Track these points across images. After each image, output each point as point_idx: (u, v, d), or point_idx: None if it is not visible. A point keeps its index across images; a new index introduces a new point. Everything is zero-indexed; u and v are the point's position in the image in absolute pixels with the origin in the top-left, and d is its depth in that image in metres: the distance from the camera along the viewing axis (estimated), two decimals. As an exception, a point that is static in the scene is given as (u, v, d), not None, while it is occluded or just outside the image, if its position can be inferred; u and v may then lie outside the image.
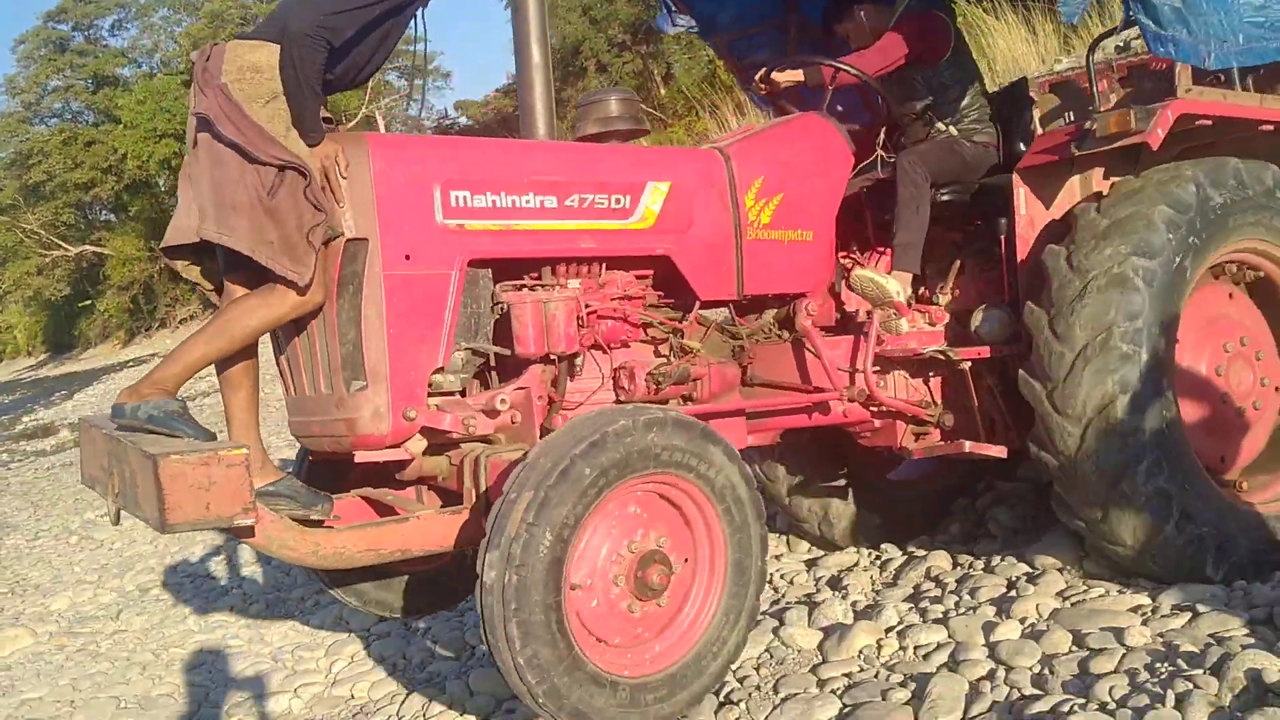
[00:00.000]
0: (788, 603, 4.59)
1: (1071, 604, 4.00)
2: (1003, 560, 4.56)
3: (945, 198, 4.62)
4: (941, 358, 4.39)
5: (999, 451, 4.35)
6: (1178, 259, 3.99)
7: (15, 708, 5.78)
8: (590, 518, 3.23)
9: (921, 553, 4.91)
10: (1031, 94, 5.01)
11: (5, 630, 7.01)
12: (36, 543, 9.72)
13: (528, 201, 3.61)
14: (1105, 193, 4.19)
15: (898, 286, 4.34)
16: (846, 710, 3.55)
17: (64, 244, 39.87)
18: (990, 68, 11.55)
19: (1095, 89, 4.28)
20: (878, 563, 4.99)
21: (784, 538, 5.62)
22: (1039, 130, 4.69)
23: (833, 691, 3.69)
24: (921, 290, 4.79)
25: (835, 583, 4.77)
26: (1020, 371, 4.12)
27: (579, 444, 3.16)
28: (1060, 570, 4.30)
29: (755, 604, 3.60)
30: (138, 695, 5.63)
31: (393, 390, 3.38)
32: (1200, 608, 3.73)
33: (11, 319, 46.49)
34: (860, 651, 3.99)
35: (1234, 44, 3.99)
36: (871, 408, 4.40)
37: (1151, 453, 3.89)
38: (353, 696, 4.99)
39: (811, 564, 5.14)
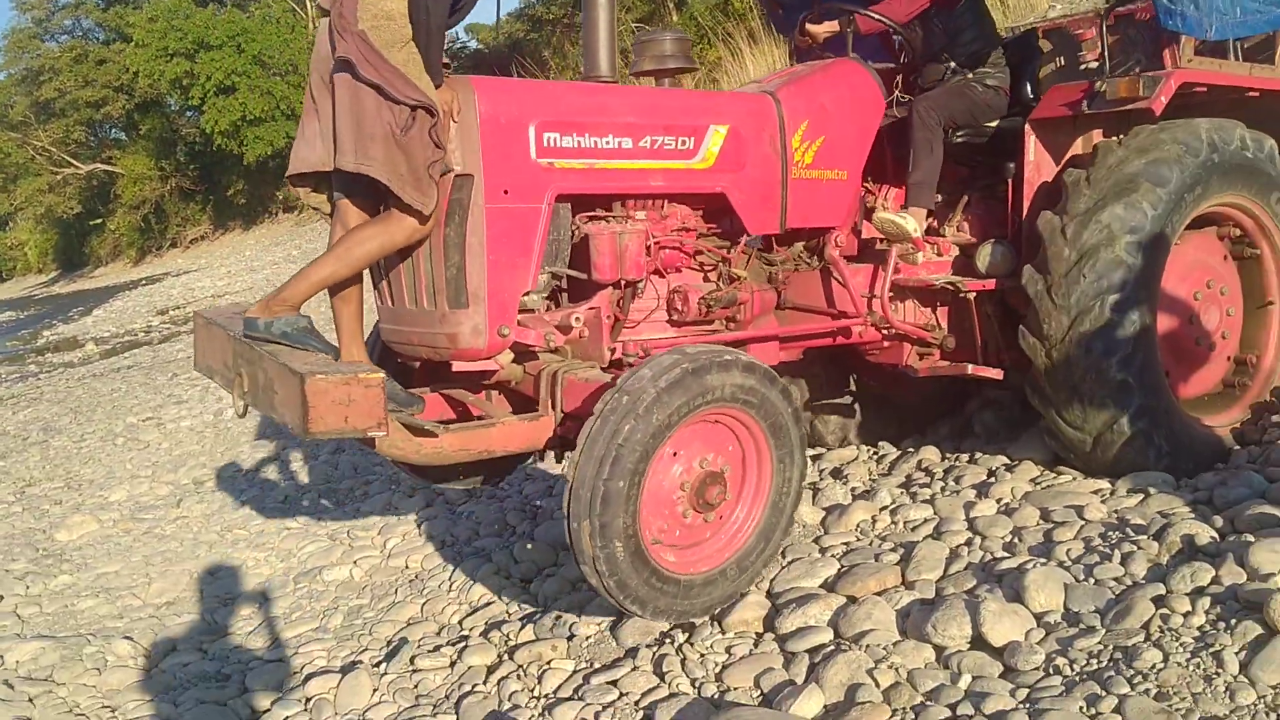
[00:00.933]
0: (794, 488, 5.23)
1: (1042, 488, 4.66)
2: (985, 455, 5.18)
3: (960, 139, 5.12)
4: (950, 288, 4.94)
5: (996, 374, 4.90)
6: (1162, 220, 4.51)
7: (94, 579, 6.46)
8: (667, 443, 3.71)
9: (914, 449, 5.52)
10: (1040, 45, 5.52)
11: (70, 518, 7.60)
12: (83, 444, 10.21)
13: (608, 143, 4.08)
14: (1114, 143, 4.66)
15: (915, 224, 4.84)
16: (844, 569, 4.23)
17: (75, 162, 40.18)
18: (1001, 4, 11.98)
19: (1106, 52, 4.79)
20: (875, 457, 5.62)
21: None
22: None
23: (833, 556, 4.36)
24: (930, 221, 5.31)
25: (837, 472, 5.40)
26: (1026, 267, 4.63)
27: (663, 378, 3.60)
28: (1035, 462, 4.93)
29: (792, 518, 4.10)
30: (209, 567, 6.32)
31: (490, 310, 3.88)
32: (1151, 490, 4.38)
33: (22, 236, 46.96)
34: (857, 525, 4.68)
35: (1233, 17, 4.54)
36: (884, 330, 4.96)
37: (1124, 349, 4.44)
38: (407, 567, 5.67)
39: (815, 458, 5.73)
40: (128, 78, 36.35)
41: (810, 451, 5.96)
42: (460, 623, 4.87)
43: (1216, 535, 3.82)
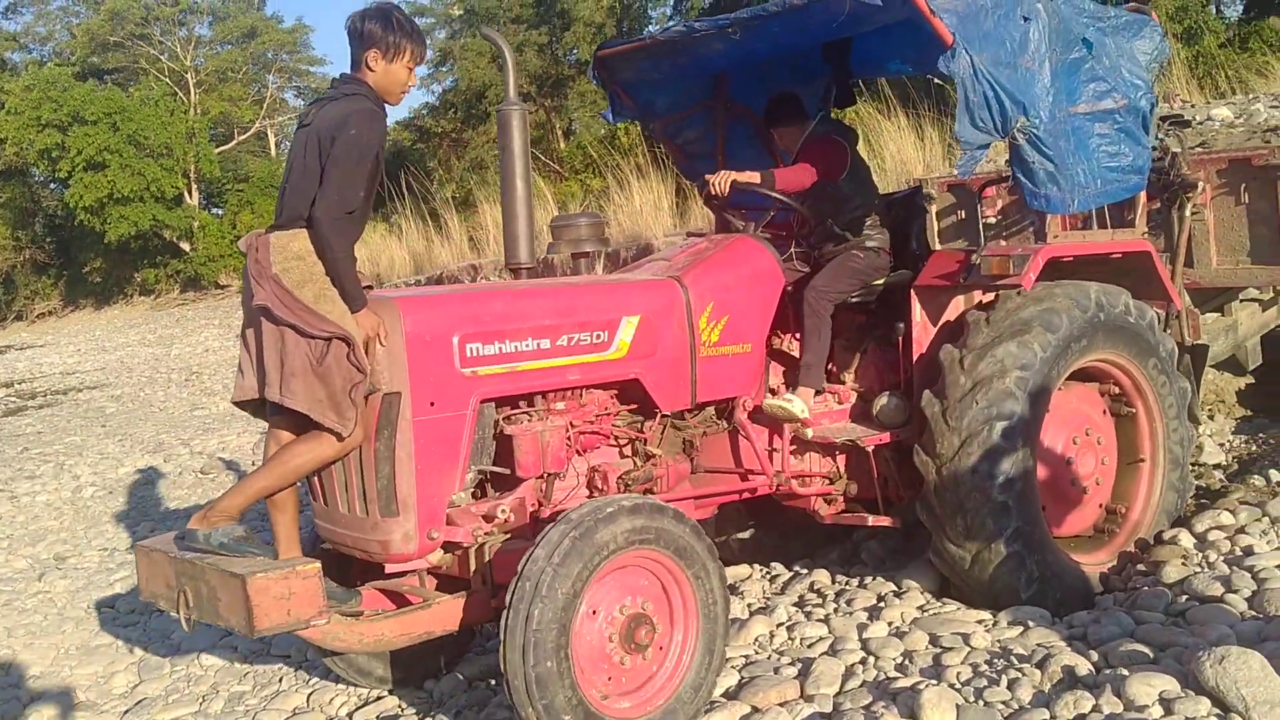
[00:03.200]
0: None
1: (929, 614, 4.94)
2: (874, 579, 5.45)
3: (855, 300, 5.45)
4: (851, 444, 5.19)
5: (893, 523, 5.24)
6: (1050, 362, 4.89)
7: (-48, 651, 6.15)
8: (582, 607, 3.87)
9: (805, 571, 5.76)
10: (926, 200, 5.98)
11: (-77, 587, 7.16)
12: (-72, 515, 9.81)
13: (527, 345, 4.31)
14: (992, 304, 5.05)
15: (802, 406, 5.10)
16: (745, 680, 4.40)
17: (-77, 223, 38.58)
18: (881, 166, 12.79)
19: (981, 226, 5.26)
20: (767, 575, 5.85)
21: None
22: (934, 235, 5.61)
23: (733, 667, 4.53)
24: (831, 367, 5.62)
25: (733, 589, 5.59)
26: (916, 445, 4.97)
27: (556, 553, 3.78)
28: (921, 591, 5.22)
29: (728, 621, 4.25)
30: (77, 645, 6.10)
31: (419, 516, 4.08)
32: (1031, 624, 4.68)
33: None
34: (755, 639, 4.89)
35: (1093, 189, 5.02)
36: (789, 484, 5.23)
37: (1007, 473, 4.78)
38: (290, 656, 5.58)
39: None
40: (-6, 144, 35.28)
41: None
42: (349, 716, 4.86)
43: (1093, 668, 4.11)
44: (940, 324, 5.29)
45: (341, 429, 3.93)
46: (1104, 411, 5.47)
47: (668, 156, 6.84)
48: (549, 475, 4.45)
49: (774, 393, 5.31)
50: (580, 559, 3.80)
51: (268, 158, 38.84)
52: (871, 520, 5.26)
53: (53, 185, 36.20)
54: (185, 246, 35.19)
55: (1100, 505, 5.47)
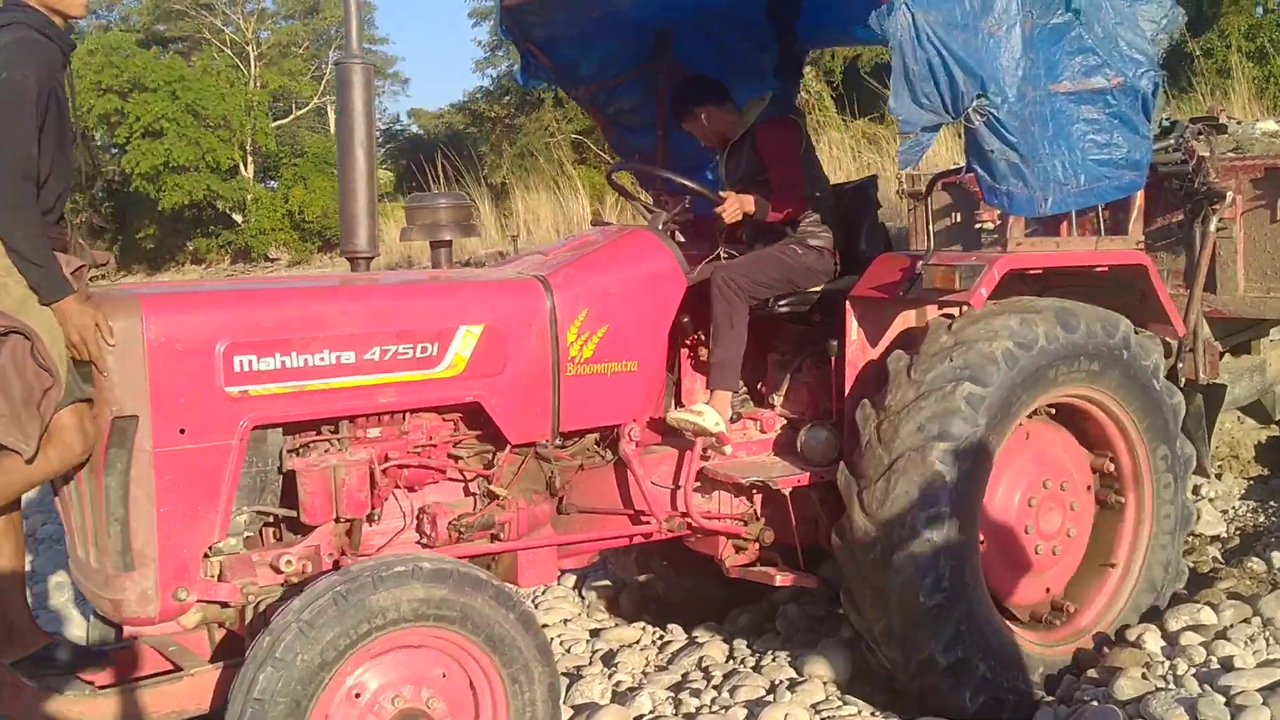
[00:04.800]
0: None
1: (822, 717, 3.92)
2: (774, 660, 4.50)
3: (784, 308, 4.47)
4: (760, 484, 4.23)
5: (809, 582, 4.27)
6: (1008, 393, 3.93)
7: None
8: (349, 662, 3.03)
9: (704, 638, 4.85)
10: (876, 193, 4.89)
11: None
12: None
13: (322, 359, 3.37)
14: (943, 325, 4.08)
15: (716, 418, 4.14)
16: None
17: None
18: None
19: (930, 232, 4.19)
20: (659, 642, 4.93)
21: (584, 598, 5.48)
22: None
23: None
24: (760, 387, 4.68)
25: (609, 657, 4.70)
26: (840, 464, 4.06)
27: (309, 609, 2.95)
28: (824, 683, 4.25)
29: None
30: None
31: (161, 572, 3.18)
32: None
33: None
34: (600, 737, 3.87)
35: (1074, 186, 3.94)
36: (690, 526, 4.26)
37: (937, 571, 3.85)
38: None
39: (596, 633, 5.06)
40: (56, 105, 35.28)
41: (594, 624, 5.18)
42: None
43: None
44: (881, 342, 4.28)
45: (23, 448, 3.05)
46: (1088, 488, 4.45)
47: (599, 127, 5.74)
48: (345, 520, 3.52)
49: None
50: (339, 623, 2.94)
51: (325, 134, 38.37)
52: (779, 579, 4.27)
53: (113, 150, 36.05)
54: (237, 218, 34.94)
55: (1047, 590, 4.41)
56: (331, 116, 42.13)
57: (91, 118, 34.02)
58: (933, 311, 4.21)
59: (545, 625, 5.13)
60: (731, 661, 4.58)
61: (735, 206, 4.35)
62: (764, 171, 4.53)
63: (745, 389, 4.66)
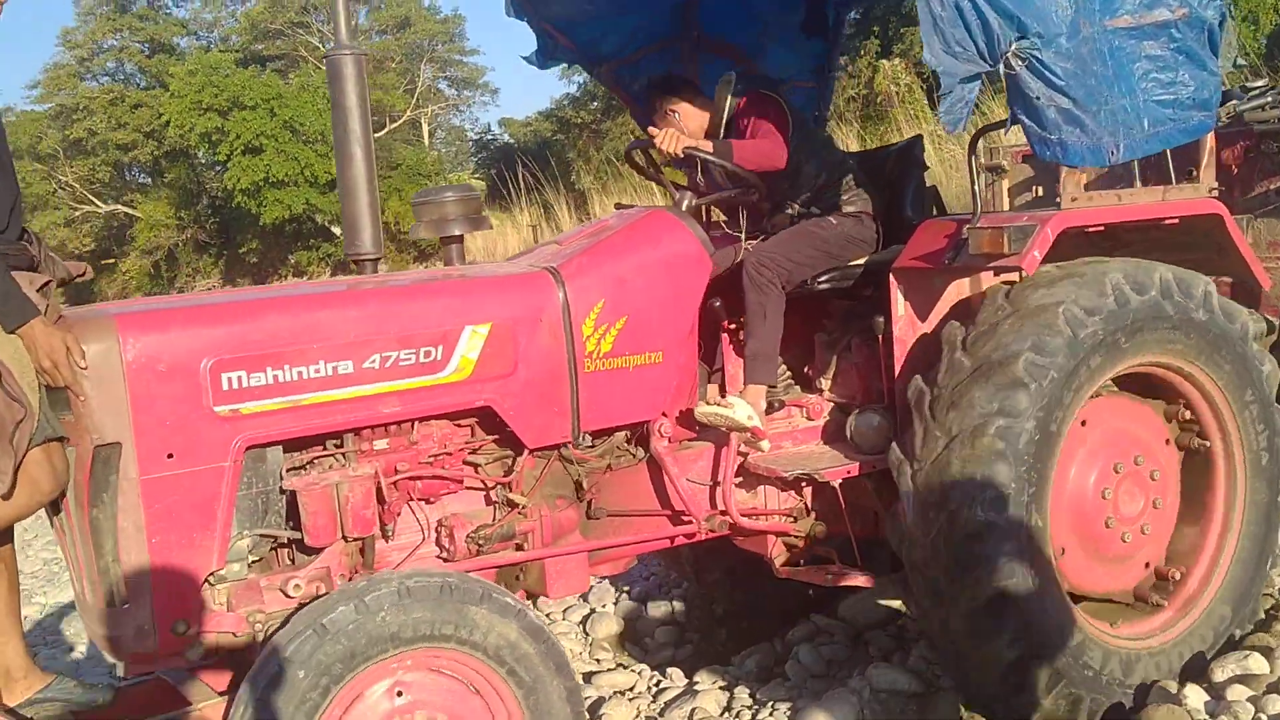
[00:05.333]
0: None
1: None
2: (772, 713, 4.16)
3: (824, 286, 4.13)
4: (806, 477, 3.89)
5: (864, 581, 3.93)
6: (1083, 353, 3.55)
7: None
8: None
9: (704, 684, 4.55)
10: (922, 153, 4.50)
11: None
12: None
13: (317, 370, 3.14)
14: (1000, 292, 3.71)
15: (748, 411, 3.81)
16: None
17: (96, 200, 39.92)
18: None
19: (977, 190, 3.80)
20: (655, 688, 4.64)
21: (587, 637, 5.23)
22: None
23: None
24: (807, 371, 4.35)
25: (597, 706, 4.42)
26: (892, 445, 3.73)
27: (290, 645, 2.77)
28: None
29: None
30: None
31: (157, 605, 2.98)
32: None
33: (36, 265, 46.71)
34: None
35: (1140, 131, 3.54)
36: (732, 525, 3.96)
37: (1003, 558, 3.49)
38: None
39: (589, 677, 4.79)
40: (159, 125, 36.25)
41: (589, 667, 4.98)
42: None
43: None
44: (932, 315, 3.92)
45: None
46: (1167, 440, 4.00)
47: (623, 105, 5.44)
48: (353, 539, 3.29)
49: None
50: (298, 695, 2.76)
51: (419, 146, 38.78)
52: (829, 578, 3.93)
53: (215, 168, 36.93)
54: (335, 230, 35.47)
55: (1146, 565, 4.00)
56: (426, 129, 42.63)
57: (194, 136, 34.94)
58: (989, 280, 3.84)
59: None
60: (727, 715, 4.25)
61: (670, 135, 3.99)
62: None
63: (789, 373, 4.33)
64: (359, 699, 2.88)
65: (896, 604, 4.79)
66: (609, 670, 4.85)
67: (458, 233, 3.85)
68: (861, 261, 4.14)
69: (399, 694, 2.93)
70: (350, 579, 3.27)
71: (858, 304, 4.22)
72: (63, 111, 41.15)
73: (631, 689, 4.65)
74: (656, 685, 4.67)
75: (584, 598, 5.61)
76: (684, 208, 3.95)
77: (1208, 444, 3.98)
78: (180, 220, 38.62)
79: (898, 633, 4.72)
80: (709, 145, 4.03)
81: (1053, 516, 3.68)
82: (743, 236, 4.19)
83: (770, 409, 4.08)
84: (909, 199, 4.27)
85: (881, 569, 3.96)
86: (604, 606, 5.51)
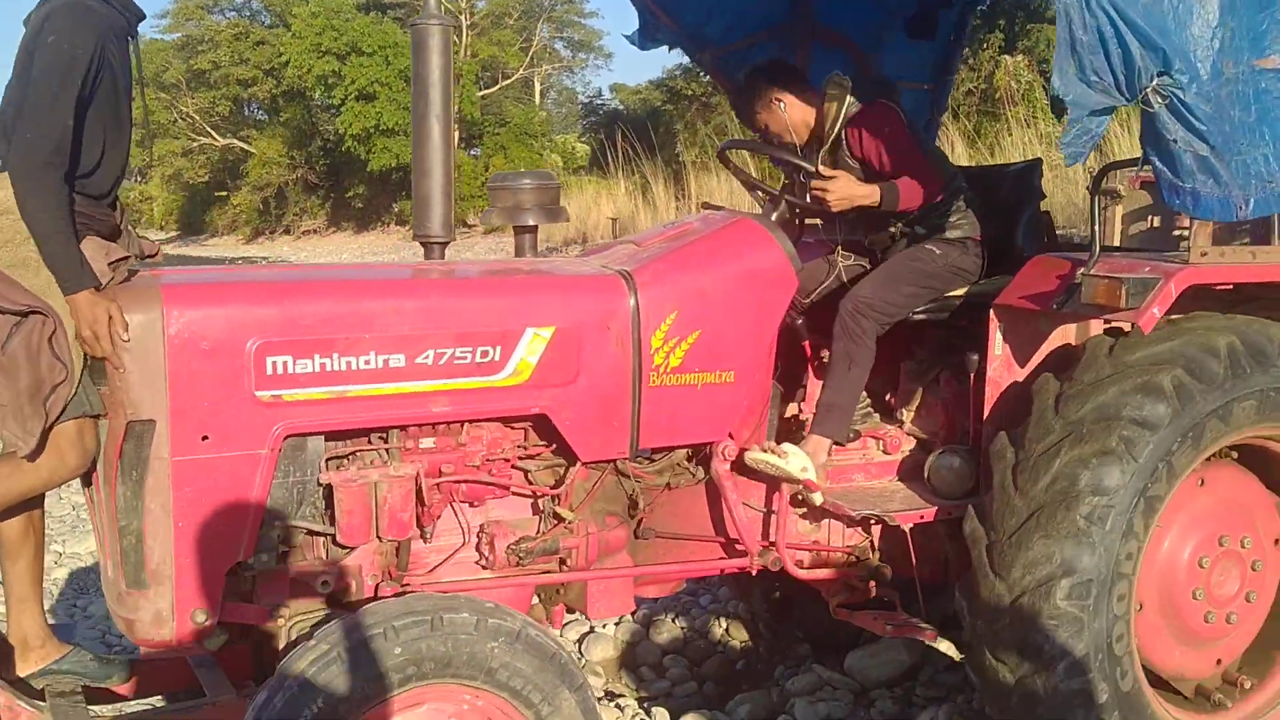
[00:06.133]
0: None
1: None
2: None
3: (920, 316, 3.86)
4: (875, 518, 3.65)
5: (928, 636, 3.64)
6: (1180, 435, 3.25)
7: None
8: None
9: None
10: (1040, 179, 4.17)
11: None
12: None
13: (366, 362, 2.96)
14: (1105, 346, 3.41)
15: (804, 463, 3.56)
16: None
17: (214, 133, 40.74)
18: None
19: (1098, 231, 3.49)
20: None
21: (581, 658, 4.99)
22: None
23: None
24: (889, 399, 4.08)
25: None
26: (970, 507, 3.46)
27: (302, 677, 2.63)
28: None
29: None
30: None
31: (178, 592, 2.85)
32: None
33: (153, 191, 47.73)
34: None
35: (1279, 184, 3.20)
36: (788, 559, 3.72)
37: (1082, 650, 3.21)
38: None
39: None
40: (279, 63, 36.77)
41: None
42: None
43: None
44: (1031, 359, 3.63)
45: (21, 444, 2.76)
46: (1276, 541, 3.68)
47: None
48: (387, 541, 3.13)
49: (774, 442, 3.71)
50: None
51: (530, 105, 38.80)
52: (887, 628, 3.68)
53: (330, 111, 37.37)
54: (440, 182, 35.65)
55: (1219, 662, 3.68)
56: (538, 88, 42.56)
57: (311, 78, 35.38)
58: (1097, 326, 3.53)
59: None
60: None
61: (840, 190, 3.72)
62: (868, 172, 3.87)
63: (869, 401, 4.06)
64: None
65: (909, 660, 4.51)
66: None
67: (532, 223, 3.63)
68: (962, 292, 3.86)
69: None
70: (380, 581, 3.12)
71: (953, 334, 3.93)
72: (188, 43, 42.03)
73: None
74: None
75: (581, 617, 5.35)
76: (774, 218, 3.70)
77: None
78: (292, 159, 39.23)
79: (904, 695, 4.41)
80: (871, 193, 3.75)
81: (1141, 573, 3.40)
82: (839, 250, 3.93)
83: (846, 439, 3.82)
84: (1022, 228, 3.96)
85: (944, 620, 3.70)
86: (604, 626, 5.20)
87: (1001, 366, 3.60)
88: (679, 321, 3.33)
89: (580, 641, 5.07)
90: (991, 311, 3.58)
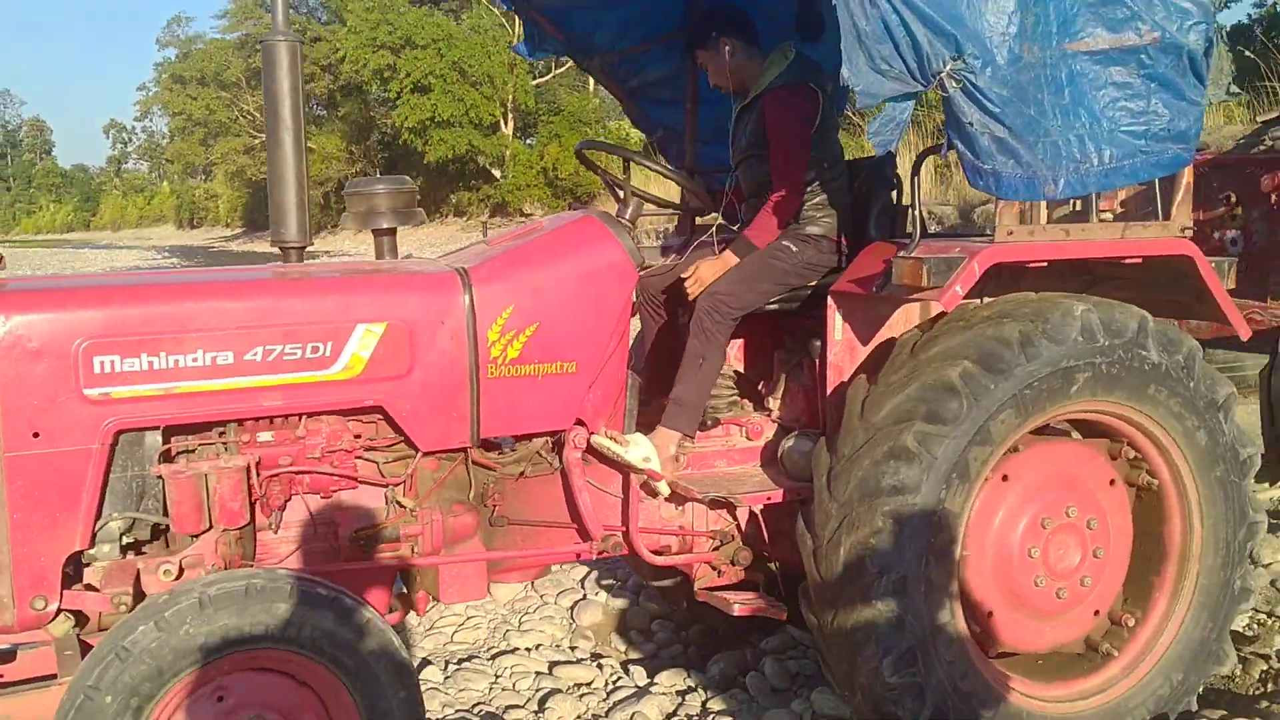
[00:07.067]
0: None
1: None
2: None
3: (772, 307, 3.95)
4: (723, 501, 3.74)
5: (775, 613, 3.78)
6: (988, 413, 3.28)
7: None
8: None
9: (661, 687, 4.42)
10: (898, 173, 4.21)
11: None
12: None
13: (194, 360, 3.13)
14: (914, 336, 3.50)
15: (646, 453, 3.67)
16: None
17: (275, 129, 41.54)
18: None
19: (919, 216, 3.54)
20: (610, 686, 4.51)
21: (573, 620, 5.13)
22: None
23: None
24: (760, 387, 4.18)
25: (545, 699, 4.34)
26: (799, 511, 3.57)
27: (94, 672, 2.75)
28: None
29: None
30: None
31: (16, 580, 3.03)
32: None
33: (218, 189, 48.81)
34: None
35: (1096, 163, 3.20)
36: (625, 544, 3.83)
37: (908, 645, 3.31)
38: None
39: (553, 667, 4.71)
40: (336, 59, 37.32)
41: (558, 655, 4.85)
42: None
43: None
44: (870, 343, 3.71)
45: None
46: (1112, 481, 3.69)
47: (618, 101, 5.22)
48: (227, 531, 3.27)
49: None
50: (156, 657, 2.78)
51: (584, 93, 38.93)
52: (737, 607, 3.77)
53: (386, 105, 37.87)
54: (496, 173, 36.06)
55: (1096, 613, 3.71)
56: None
57: (367, 72, 35.83)
58: (936, 308, 3.57)
59: (513, 650, 4.87)
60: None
61: (703, 273, 3.87)
62: (766, 146, 3.97)
63: (737, 391, 4.15)
64: (179, 709, 2.86)
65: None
66: (572, 663, 4.78)
67: (386, 226, 3.77)
68: (812, 284, 3.92)
69: (219, 699, 2.91)
70: (225, 568, 3.25)
71: (818, 324, 4.00)
72: (247, 41, 42.78)
73: (589, 684, 4.58)
74: (615, 681, 4.59)
75: (582, 582, 5.55)
76: (627, 215, 3.79)
77: (1155, 482, 3.67)
78: (351, 154, 39.85)
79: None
80: (727, 262, 3.89)
81: (975, 580, 3.46)
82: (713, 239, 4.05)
83: (704, 426, 3.92)
84: (873, 219, 4.01)
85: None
86: (596, 594, 5.44)
87: (843, 351, 3.66)
88: (515, 315, 3.46)
89: (572, 608, 5.31)
90: (829, 298, 3.65)
